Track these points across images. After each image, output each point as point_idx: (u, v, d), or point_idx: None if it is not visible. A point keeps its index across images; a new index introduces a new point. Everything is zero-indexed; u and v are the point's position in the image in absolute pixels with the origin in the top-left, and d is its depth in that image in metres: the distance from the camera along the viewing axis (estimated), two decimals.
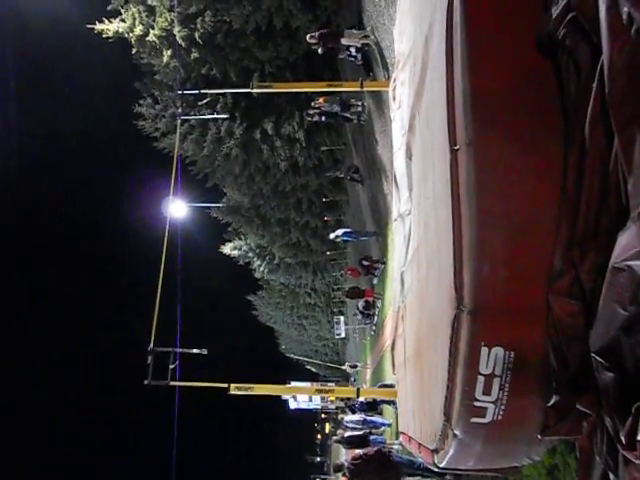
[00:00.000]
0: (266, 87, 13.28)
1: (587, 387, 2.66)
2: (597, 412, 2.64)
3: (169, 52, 20.85)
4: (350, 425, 15.86)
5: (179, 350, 10.13)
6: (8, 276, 68.23)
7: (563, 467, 4.09)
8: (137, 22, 21.01)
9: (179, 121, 18.83)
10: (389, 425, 15.51)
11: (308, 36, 15.83)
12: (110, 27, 21.47)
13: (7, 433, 62.68)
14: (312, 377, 62.82)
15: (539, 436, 2.94)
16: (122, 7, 21.38)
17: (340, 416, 34.04)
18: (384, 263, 19.27)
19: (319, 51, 16.21)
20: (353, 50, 15.14)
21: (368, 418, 15.70)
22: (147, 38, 20.91)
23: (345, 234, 21.13)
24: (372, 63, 14.98)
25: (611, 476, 2.66)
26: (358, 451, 9.13)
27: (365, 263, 20.66)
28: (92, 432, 77.65)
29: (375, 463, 8.18)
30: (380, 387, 14.73)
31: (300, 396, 33.11)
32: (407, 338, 5.14)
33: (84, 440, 77.70)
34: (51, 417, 71.74)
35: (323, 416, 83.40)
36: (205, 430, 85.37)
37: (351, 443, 12.36)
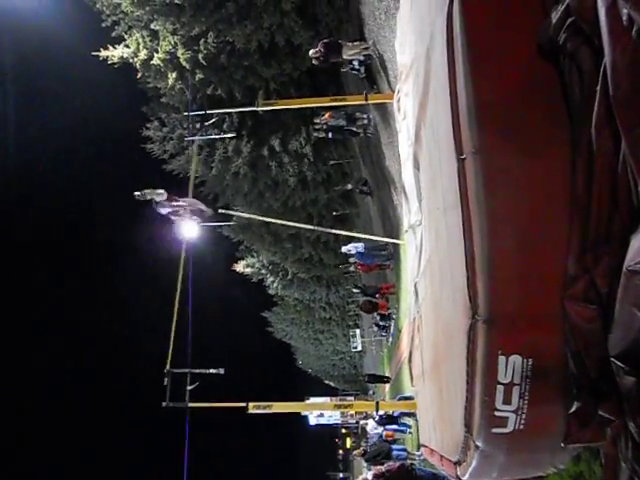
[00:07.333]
0: (271, 104, 13.34)
1: (608, 392, 2.62)
2: (620, 417, 2.60)
3: (174, 74, 21.12)
4: (374, 434, 15.88)
5: (195, 371, 10.12)
6: (21, 296, 68.76)
7: (589, 474, 4.02)
8: (141, 47, 21.36)
9: (195, 145, 18.95)
10: (409, 427, 15.55)
11: (311, 52, 15.78)
12: (115, 53, 21.85)
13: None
14: (331, 392, 62.61)
15: (562, 444, 2.90)
16: (126, 33, 21.76)
17: (363, 422, 33.65)
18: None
19: (315, 62, 16.14)
20: (356, 63, 15.22)
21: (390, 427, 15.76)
22: (151, 62, 21.22)
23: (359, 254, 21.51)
24: (375, 76, 15.05)
25: None
26: (380, 467, 9.03)
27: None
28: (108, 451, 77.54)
29: (398, 478, 8.08)
30: (399, 399, 14.66)
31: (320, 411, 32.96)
32: (424, 349, 5.10)
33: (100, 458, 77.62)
34: (66, 440, 71.74)
35: (344, 431, 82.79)
36: (225, 448, 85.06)
37: (374, 459, 12.27)
